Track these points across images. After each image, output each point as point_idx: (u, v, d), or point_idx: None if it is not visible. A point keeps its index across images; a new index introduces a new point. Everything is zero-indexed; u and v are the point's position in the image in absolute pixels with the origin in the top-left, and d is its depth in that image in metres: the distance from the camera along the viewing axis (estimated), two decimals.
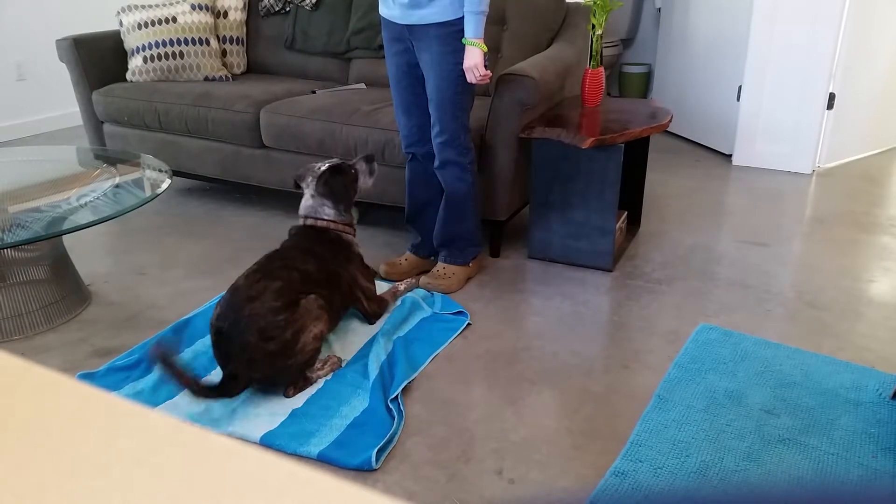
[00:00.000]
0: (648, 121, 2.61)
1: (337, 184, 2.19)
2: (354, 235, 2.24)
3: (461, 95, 2.26)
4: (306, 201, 2.20)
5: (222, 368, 1.82)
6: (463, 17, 2.14)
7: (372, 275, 2.27)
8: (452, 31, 2.16)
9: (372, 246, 2.80)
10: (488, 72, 2.18)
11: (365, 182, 2.29)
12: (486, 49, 2.16)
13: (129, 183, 2.47)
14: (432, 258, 2.59)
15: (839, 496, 0.28)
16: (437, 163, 2.36)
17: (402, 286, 2.40)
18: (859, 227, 3.05)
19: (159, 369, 1.73)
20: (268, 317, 1.79)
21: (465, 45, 2.16)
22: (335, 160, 2.27)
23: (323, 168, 2.21)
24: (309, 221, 2.18)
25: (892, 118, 4.09)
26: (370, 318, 2.22)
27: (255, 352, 1.77)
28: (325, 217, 2.18)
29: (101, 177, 2.56)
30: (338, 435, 1.71)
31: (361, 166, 2.28)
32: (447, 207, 2.42)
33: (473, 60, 2.15)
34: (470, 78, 2.18)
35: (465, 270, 2.51)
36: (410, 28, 2.21)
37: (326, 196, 2.18)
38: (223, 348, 1.80)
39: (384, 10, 2.29)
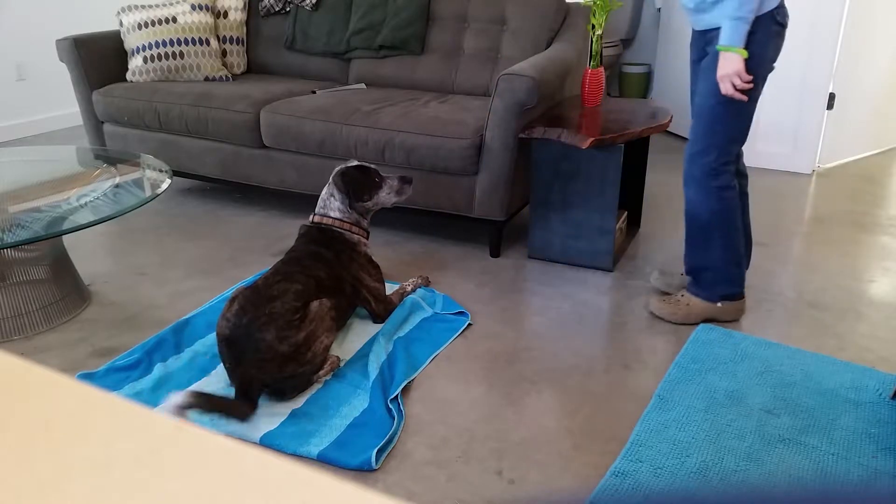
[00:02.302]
0: (648, 121, 2.61)
1: (353, 178, 2.21)
2: (367, 238, 2.25)
3: (723, 107, 2.00)
4: (322, 194, 2.25)
5: (230, 371, 1.81)
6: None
7: (381, 275, 2.27)
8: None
9: (372, 246, 2.79)
10: (747, 82, 1.93)
11: (388, 197, 2.27)
12: (745, 54, 1.91)
13: (129, 183, 2.47)
14: (719, 304, 2.25)
15: (839, 496, 0.28)
16: (683, 176, 2.14)
17: (409, 286, 2.39)
18: (859, 227, 3.05)
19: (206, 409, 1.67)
20: (286, 315, 1.80)
21: (719, 51, 1.94)
22: (370, 165, 2.29)
23: (351, 164, 2.25)
24: (316, 219, 2.21)
25: (892, 118, 4.09)
26: (376, 319, 2.22)
27: (269, 352, 1.75)
28: (332, 214, 2.20)
29: (101, 177, 2.56)
30: (338, 435, 1.71)
31: (392, 181, 2.27)
32: (688, 231, 2.19)
33: (727, 69, 1.92)
34: (723, 88, 1.95)
35: (707, 307, 2.21)
36: (703, 34, 2.08)
37: (338, 187, 2.21)
38: (237, 345, 1.78)
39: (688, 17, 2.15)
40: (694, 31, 2.15)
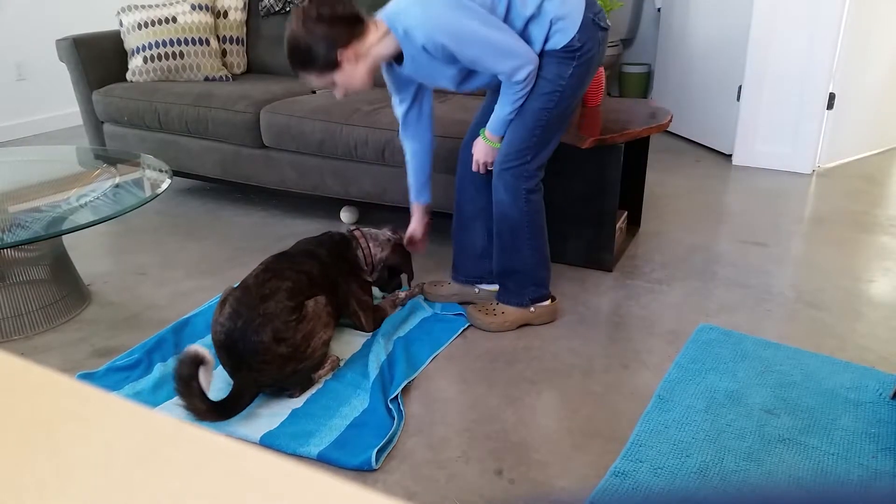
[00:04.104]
0: (648, 121, 2.61)
1: (397, 260, 2.30)
2: (369, 273, 2.27)
3: (548, 113, 1.99)
4: (378, 231, 2.31)
5: (231, 375, 1.80)
6: (573, 44, 1.92)
7: (370, 288, 2.25)
8: (565, 57, 1.94)
9: None
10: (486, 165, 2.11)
11: (380, 268, 2.31)
12: (497, 146, 2.06)
13: (129, 183, 2.47)
14: (476, 290, 2.35)
15: (839, 496, 0.28)
16: (493, 179, 2.12)
17: (401, 294, 2.36)
18: (859, 227, 3.05)
19: (177, 385, 1.64)
20: (282, 316, 1.77)
21: (480, 135, 2.08)
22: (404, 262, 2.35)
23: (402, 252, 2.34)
24: (356, 233, 2.26)
25: (892, 118, 4.09)
26: (364, 330, 2.17)
27: (267, 353, 1.74)
28: (370, 243, 2.25)
29: (101, 177, 2.56)
30: (338, 435, 1.71)
31: (397, 296, 2.34)
32: (497, 234, 2.17)
33: (481, 156, 2.09)
34: (473, 167, 2.13)
35: (521, 313, 2.21)
36: None
37: (386, 254, 2.27)
38: (234, 349, 1.76)
39: None
40: None
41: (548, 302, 2.25)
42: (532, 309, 2.22)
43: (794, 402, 1.83)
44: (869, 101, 3.91)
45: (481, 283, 2.34)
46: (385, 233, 2.32)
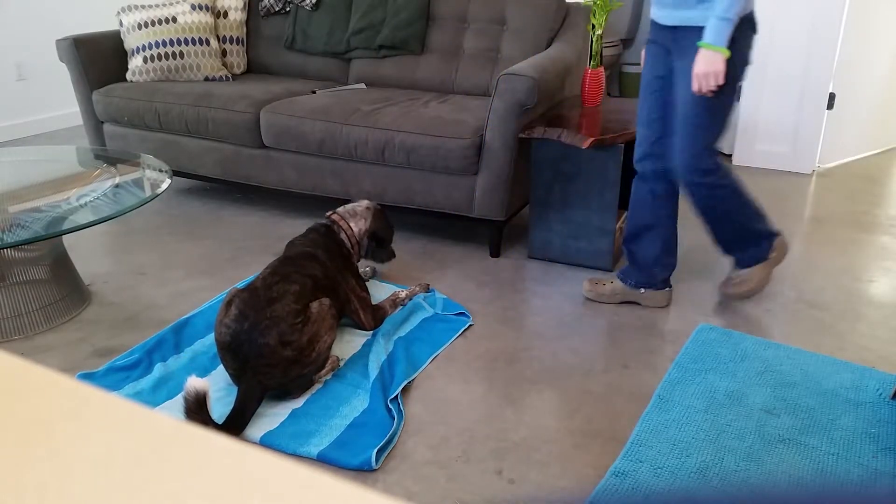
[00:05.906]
0: None
1: (386, 229, 2.35)
2: (357, 259, 2.29)
3: (709, 112, 2.02)
4: (354, 205, 2.35)
5: (235, 379, 1.80)
6: (750, 15, 1.98)
7: (365, 285, 2.25)
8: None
9: None
10: (717, 83, 1.95)
11: (365, 249, 2.33)
12: (727, 54, 1.92)
13: (129, 183, 2.47)
14: (642, 290, 2.36)
15: (839, 496, 0.28)
16: (680, 184, 2.17)
17: (402, 293, 2.36)
18: (859, 227, 3.05)
19: (188, 411, 1.61)
20: (288, 319, 1.77)
21: (700, 48, 1.94)
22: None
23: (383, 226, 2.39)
24: (335, 216, 2.28)
25: (892, 118, 4.09)
26: (365, 328, 2.17)
27: (272, 356, 1.74)
28: (351, 223, 2.27)
29: (101, 177, 2.56)
30: (338, 435, 1.71)
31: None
32: (707, 223, 2.23)
33: (708, 67, 1.92)
34: (695, 85, 1.96)
35: (764, 266, 2.29)
36: (673, 31, 2.08)
37: (375, 227, 2.31)
38: (240, 351, 1.75)
39: (653, 11, 2.22)
40: (659, 26, 2.18)
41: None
42: (771, 256, 2.29)
43: (794, 402, 1.83)
44: (869, 101, 3.91)
45: (648, 288, 2.36)
46: (361, 203, 2.35)
